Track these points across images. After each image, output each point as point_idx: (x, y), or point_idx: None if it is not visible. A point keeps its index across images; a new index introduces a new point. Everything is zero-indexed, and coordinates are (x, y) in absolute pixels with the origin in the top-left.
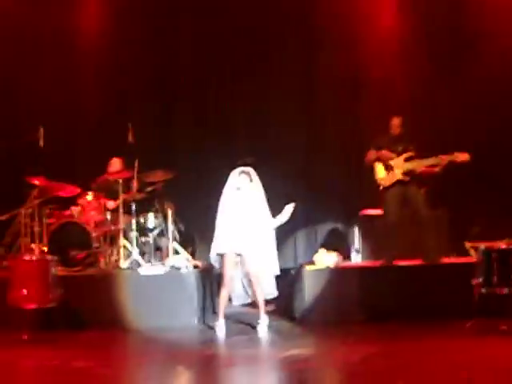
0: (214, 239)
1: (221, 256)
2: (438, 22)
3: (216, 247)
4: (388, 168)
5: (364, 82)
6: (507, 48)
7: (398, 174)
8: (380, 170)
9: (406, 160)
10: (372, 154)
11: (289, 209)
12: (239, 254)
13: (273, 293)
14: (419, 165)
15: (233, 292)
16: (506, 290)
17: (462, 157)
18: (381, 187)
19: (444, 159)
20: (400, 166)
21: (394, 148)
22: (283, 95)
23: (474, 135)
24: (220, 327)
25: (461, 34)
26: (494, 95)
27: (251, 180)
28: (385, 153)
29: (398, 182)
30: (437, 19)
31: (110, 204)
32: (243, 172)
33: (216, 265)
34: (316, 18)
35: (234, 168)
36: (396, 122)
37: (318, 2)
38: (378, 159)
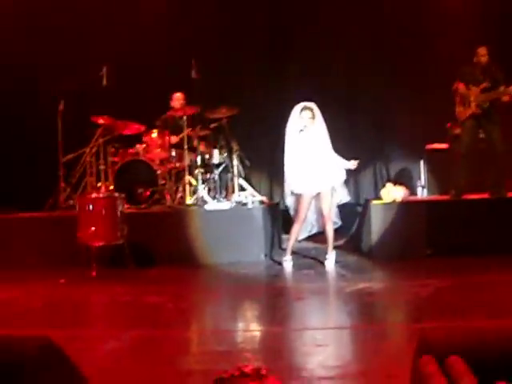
0: (288, 179)
1: (296, 195)
2: None
3: (292, 187)
4: (465, 101)
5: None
6: None
7: (472, 107)
8: (458, 103)
9: (483, 91)
10: (455, 85)
11: (351, 164)
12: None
13: (337, 222)
14: (492, 96)
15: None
16: None
17: None
18: (459, 121)
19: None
20: (476, 97)
21: (474, 78)
22: (347, 30)
23: None
24: (288, 262)
25: None
26: None
27: (314, 116)
28: (461, 87)
29: (472, 115)
30: None
31: (173, 138)
32: (306, 108)
33: (289, 203)
34: None
35: (297, 102)
36: (481, 51)
37: None
38: (456, 92)
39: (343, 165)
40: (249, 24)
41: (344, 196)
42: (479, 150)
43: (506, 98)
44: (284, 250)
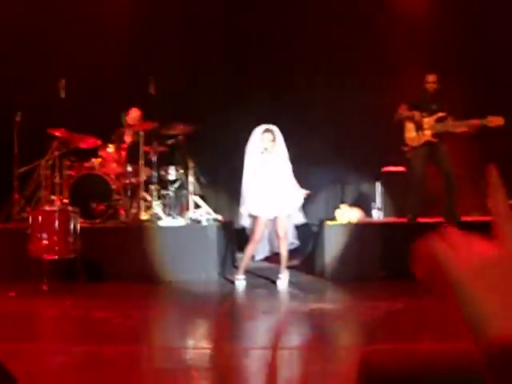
0: (245, 200)
1: (252, 216)
2: None
3: (249, 209)
4: (418, 128)
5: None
6: None
7: (427, 134)
8: (410, 130)
9: (438, 121)
10: (403, 111)
11: (302, 193)
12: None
13: (294, 242)
14: (450, 126)
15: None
16: None
17: (496, 121)
18: (408, 147)
19: (476, 123)
20: (431, 125)
21: (427, 106)
22: (310, 57)
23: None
24: (241, 281)
25: None
26: None
27: (274, 139)
28: (417, 114)
29: (427, 142)
30: None
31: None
32: (267, 130)
33: (245, 224)
34: None
35: (258, 124)
36: (431, 78)
37: None
38: (409, 118)
39: (299, 192)
40: (208, 42)
41: (299, 218)
42: (432, 174)
43: (462, 130)
44: (236, 269)
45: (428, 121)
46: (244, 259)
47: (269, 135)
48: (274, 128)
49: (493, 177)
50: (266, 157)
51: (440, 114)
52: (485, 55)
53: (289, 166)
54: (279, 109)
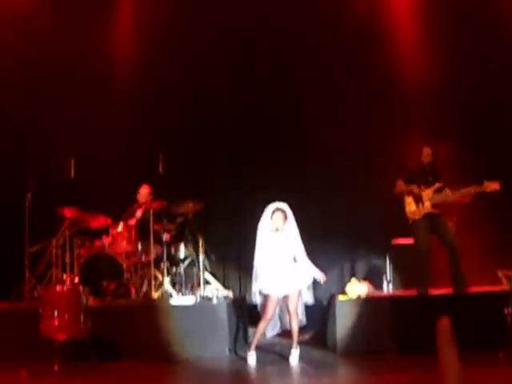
0: (257, 278)
1: (264, 294)
2: None
3: (260, 287)
4: (418, 201)
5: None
6: None
7: (427, 206)
8: (410, 203)
9: (436, 191)
10: (401, 186)
11: (318, 275)
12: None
13: (302, 320)
14: (448, 196)
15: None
16: None
17: (493, 186)
18: (410, 220)
19: (473, 190)
20: (429, 197)
21: (424, 179)
22: (316, 133)
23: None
24: (252, 357)
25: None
26: None
27: (286, 217)
28: (415, 188)
29: (427, 214)
30: None
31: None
32: (278, 209)
33: (257, 301)
34: None
35: (269, 202)
36: (426, 151)
37: None
38: (408, 192)
39: (313, 272)
40: (216, 120)
41: (309, 298)
42: (436, 244)
43: (461, 199)
44: (248, 345)
45: (426, 193)
46: (255, 336)
47: (280, 214)
48: (285, 206)
49: (444, 331)
50: (278, 235)
51: (437, 185)
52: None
53: (300, 244)
54: (290, 184)
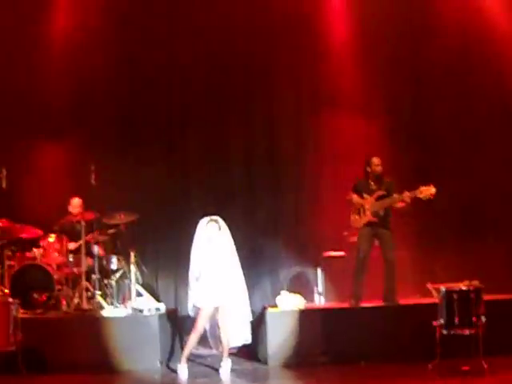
0: (192, 290)
1: (197, 307)
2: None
3: (195, 300)
4: (360, 210)
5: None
6: None
7: (368, 214)
8: (353, 212)
9: (377, 199)
10: (349, 195)
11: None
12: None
13: (248, 339)
14: (387, 204)
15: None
16: (467, 331)
17: (426, 191)
18: (351, 230)
19: (407, 196)
20: (370, 206)
21: (367, 188)
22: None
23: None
24: (183, 369)
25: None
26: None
27: (220, 228)
28: (355, 197)
29: (369, 223)
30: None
31: (71, 245)
32: (211, 220)
33: (191, 314)
34: None
35: (202, 216)
36: (376, 161)
37: None
38: (351, 202)
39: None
40: (147, 126)
41: (247, 315)
42: (374, 257)
43: (399, 205)
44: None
45: (368, 201)
46: (186, 348)
47: (214, 224)
48: (219, 219)
49: None
50: (212, 246)
51: (378, 193)
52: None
53: (234, 256)
54: (225, 197)
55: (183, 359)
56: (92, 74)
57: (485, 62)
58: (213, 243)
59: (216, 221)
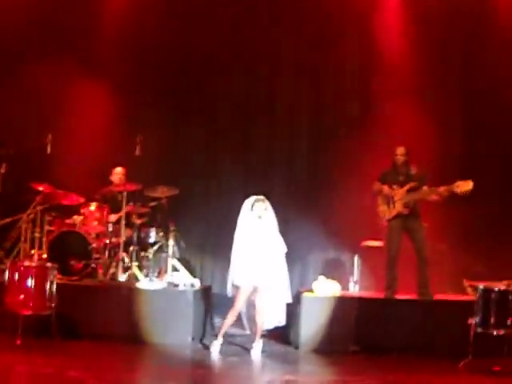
0: (232, 269)
1: (236, 286)
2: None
3: (234, 278)
4: (389, 201)
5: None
6: None
7: (398, 207)
8: (381, 204)
9: (408, 191)
10: (376, 186)
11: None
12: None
13: (282, 321)
14: (419, 197)
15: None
16: (502, 332)
17: (464, 186)
18: (381, 220)
19: (444, 190)
20: (401, 197)
21: (396, 179)
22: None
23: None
24: (216, 347)
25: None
26: None
27: (266, 208)
28: (385, 188)
29: (399, 214)
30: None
31: (112, 217)
32: (258, 200)
33: (229, 293)
34: None
35: (246, 193)
36: (399, 151)
37: None
38: (379, 193)
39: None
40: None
41: (288, 297)
42: (406, 249)
43: (433, 198)
44: (214, 334)
45: (398, 192)
46: (223, 326)
47: (262, 204)
48: (264, 198)
49: None
50: (258, 225)
51: (410, 185)
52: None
53: (278, 234)
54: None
55: (219, 336)
56: (142, 48)
57: None
58: (258, 223)
59: (263, 200)
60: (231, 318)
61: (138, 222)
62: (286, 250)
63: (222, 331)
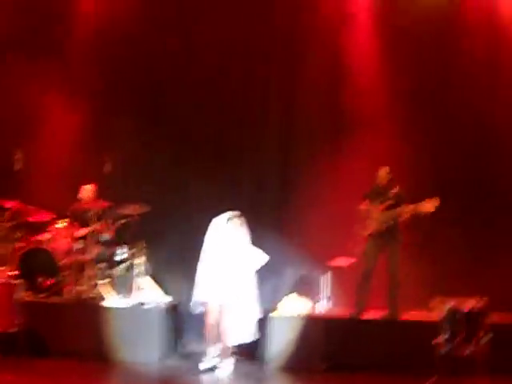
0: (199, 285)
1: (203, 302)
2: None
3: (200, 294)
4: (368, 219)
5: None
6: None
7: (375, 224)
8: (361, 220)
9: (387, 209)
10: (361, 203)
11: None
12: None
13: (254, 335)
14: (394, 216)
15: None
16: (467, 351)
17: (427, 207)
18: (359, 238)
19: (408, 210)
20: (378, 215)
21: (377, 197)
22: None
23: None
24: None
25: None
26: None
27: (240, 225)
28: (364, 205)
29: (375, 232)
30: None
31: (80, 231)
32: (235, 215)
33: (195, 310)
34: None
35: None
36: (381, 172)
37: None
38: (360, 210)
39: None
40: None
41: (257, 312)
42: (379, 267)
43: (404, 216)
44: (180, 353)
45: (377, 210)
46: (204, 344)
47: (237, 220)
48: (238, 214)
49: None
50: (231, 241)
51: (389, 202)
52: None
53: (254, 249)
54: (234, 194)
55: (207, 357)
56: (114, 65)
57: None
58: (231, 238)
59: (239, 216)
60: (206, 335)
61: (108, 239)
62: (267, 258)
63: (208, 350)
